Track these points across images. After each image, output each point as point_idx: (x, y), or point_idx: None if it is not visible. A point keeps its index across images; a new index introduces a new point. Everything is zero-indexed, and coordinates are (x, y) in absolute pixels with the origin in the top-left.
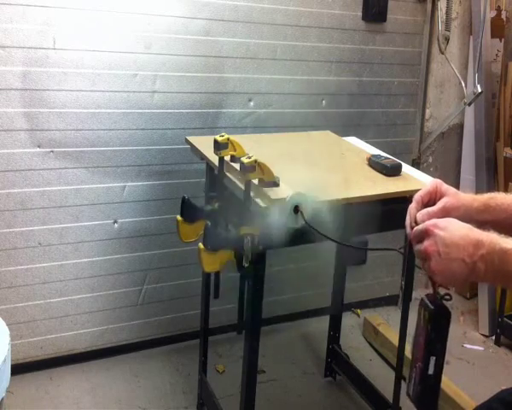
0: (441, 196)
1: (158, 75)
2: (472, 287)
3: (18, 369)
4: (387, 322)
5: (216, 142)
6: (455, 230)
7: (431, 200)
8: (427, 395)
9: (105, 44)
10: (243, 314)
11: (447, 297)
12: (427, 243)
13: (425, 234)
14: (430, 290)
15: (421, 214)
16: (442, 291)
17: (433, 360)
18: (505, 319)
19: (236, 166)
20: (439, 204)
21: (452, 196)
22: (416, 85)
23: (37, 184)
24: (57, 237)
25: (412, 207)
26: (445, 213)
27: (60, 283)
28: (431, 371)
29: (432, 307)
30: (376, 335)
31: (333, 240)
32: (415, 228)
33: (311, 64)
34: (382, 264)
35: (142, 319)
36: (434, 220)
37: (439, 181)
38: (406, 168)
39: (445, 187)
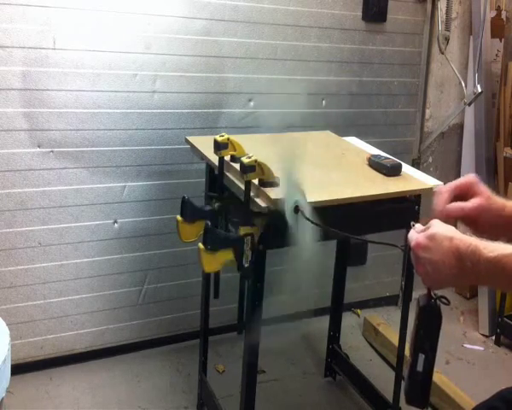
0: (473, 194)
1: (158, 75)
2: (472, 287)
3: (18, 369)
4: (387, 322)
5: (216, 142)
6: (437, 248)
7: (461, 195)
8: (416, 390)
9: (105, 44)
10: (243, 314)
11: (444, 301)
12: (416, 265)
13: (413, 254)
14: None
15: (453, 207)
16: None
17: (421, 357)
18: (505, 319)
19: (236, 166)
20: (474, 203)
21: (486, 199)
22: (416, 85)
23: (37, 184)
24: (57, 237)
25: (441, 199)
26: (477, 213)
27: (60, 283)
28: (420, 368)
29: (421, 304)
30: (376, 335)
31: (337, 233)
32: (410, 234)
33: (311, 64)
34: (382, 264)
35: (142, 319)
36: (417, 240)
37: (474, 178)
38: (406, 168)
39: (480, 189)
